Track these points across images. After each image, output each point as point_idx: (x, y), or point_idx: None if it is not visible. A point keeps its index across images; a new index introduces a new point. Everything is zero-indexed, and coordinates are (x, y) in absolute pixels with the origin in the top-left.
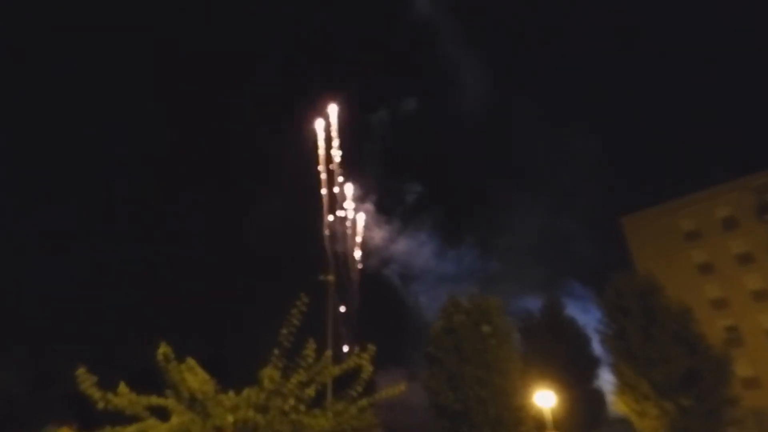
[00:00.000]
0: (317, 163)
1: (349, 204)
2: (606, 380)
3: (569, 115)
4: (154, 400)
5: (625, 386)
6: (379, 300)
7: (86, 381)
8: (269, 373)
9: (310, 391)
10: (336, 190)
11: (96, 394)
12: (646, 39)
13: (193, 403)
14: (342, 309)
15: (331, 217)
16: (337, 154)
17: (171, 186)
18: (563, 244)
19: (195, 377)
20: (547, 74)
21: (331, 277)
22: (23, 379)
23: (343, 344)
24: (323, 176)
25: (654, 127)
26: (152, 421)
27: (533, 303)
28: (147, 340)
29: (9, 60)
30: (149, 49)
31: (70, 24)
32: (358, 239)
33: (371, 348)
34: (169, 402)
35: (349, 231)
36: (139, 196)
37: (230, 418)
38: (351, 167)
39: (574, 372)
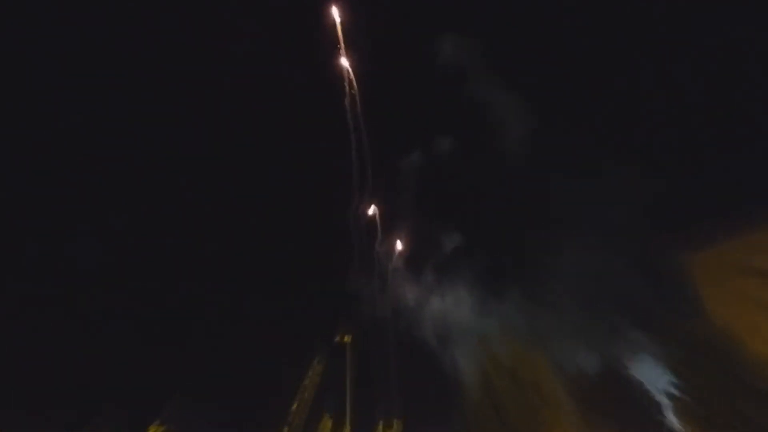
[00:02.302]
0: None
1: (380, 257)
2: None
3: (619, 147)
4: None
5: None
6: (413, 364)
7: None
8: None
9: None
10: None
11: None
12: (692, 67)
13: None
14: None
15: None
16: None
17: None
18: (621, 290)
19: None
20: (589, 108)
21: (348, 339)
22: None
23: (371, 415)
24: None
25: (714, 156)
26: None
27: (590, 361)
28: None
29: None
30: None
31: None
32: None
33: (398, 423)
34: None
35: (377, 286)
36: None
37: None
38: (383, 218)
39: None
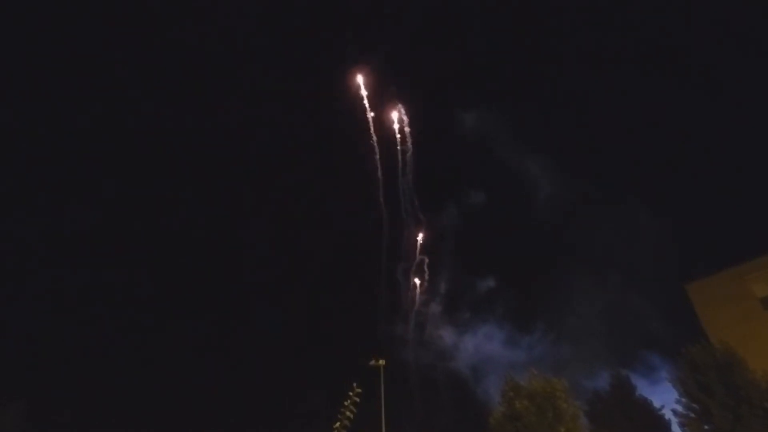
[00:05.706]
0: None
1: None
2: None
3: (627, 192)
4: None
5: None
6: (449, 393)
7: None
8: None
9: None
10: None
11: None
12: (691, 108)
13: None
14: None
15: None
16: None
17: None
18: (633, 319)
19: None
20: (604, 164)
21: (382, 362)
22: None
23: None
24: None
25: (712, 191)
26: None
27: (603, 381)
28: None
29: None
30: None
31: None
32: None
33: None
34: None
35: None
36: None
37: None
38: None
39: None
